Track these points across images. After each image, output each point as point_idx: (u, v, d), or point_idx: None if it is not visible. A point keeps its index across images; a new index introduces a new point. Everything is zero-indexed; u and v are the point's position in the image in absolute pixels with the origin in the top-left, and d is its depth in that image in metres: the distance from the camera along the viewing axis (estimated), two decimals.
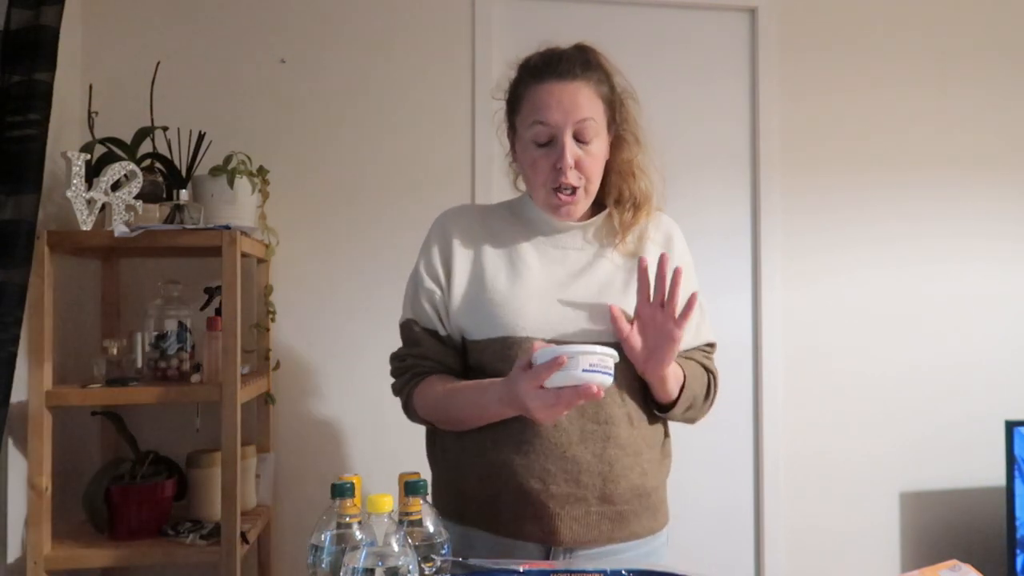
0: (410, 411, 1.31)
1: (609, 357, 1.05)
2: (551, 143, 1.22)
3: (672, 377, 1.23)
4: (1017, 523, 2.16)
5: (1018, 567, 2.16)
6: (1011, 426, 2.17)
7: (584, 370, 1.03)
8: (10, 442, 1.66)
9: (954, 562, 1.01)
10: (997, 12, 2.48)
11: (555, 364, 1.02)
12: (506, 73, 1.30)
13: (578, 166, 1.22)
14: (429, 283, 1.29)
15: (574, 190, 1.23)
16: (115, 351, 1.77)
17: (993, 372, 2.44)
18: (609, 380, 1.05)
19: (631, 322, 1.21)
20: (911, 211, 2.42)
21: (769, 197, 2.34)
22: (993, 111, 2.47)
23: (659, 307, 1.18)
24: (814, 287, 2.37)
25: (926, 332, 2.42)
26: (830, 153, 2.39)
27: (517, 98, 1.26)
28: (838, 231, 2.39)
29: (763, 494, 2.31)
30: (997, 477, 2.30)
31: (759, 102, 2.34)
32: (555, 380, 1.03)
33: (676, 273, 1.16)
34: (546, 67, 1.22)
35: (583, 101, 1.21)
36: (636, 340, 1.20)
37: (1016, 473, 2.16)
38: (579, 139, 1.21)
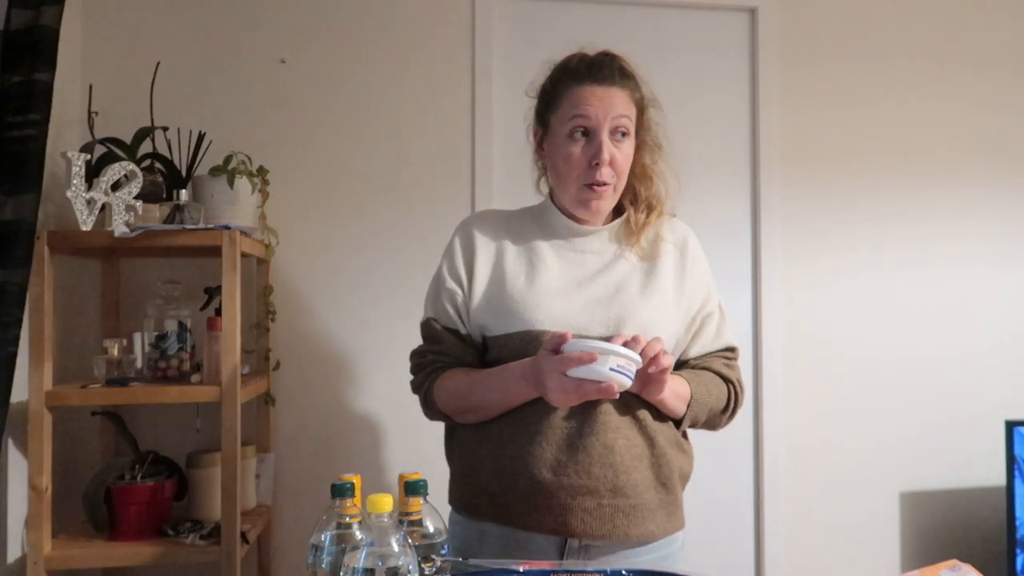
0: (429, 405, 1.33)
1: (634, 362, 1.10)
2: (588, 139, 1.26)
3: (672, 398, 1.25)
4: (1017, 523, 2.16)
5: (1018, 567, 2.16)
6: (1011, 426, 2.17)
7: (611, 368, 1.08)
8: (10, 442, 1.66)
9: (954, 562, 1.01)
10: (998, 14, 2.48)
11: (586, 357, 1.07)
12: (541, 72, 1.34)
13: (611, 163, 1.26)
14: (451, 284, 1.32)
15: (604, 185, 1.27)
16: (115, 351, 1.77)
17: (993, 372, 2.44)
18: (629, 383, 1.10)
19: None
20: (911, 211, 2.42)
21: (769, 198, 2.34)
22: (994, 112, 2.47)
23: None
24: (814, 288, 2.37)
25: (926, 332, 2.42)
26: (830, 154, 2.39)
27: (555, 96, 1.30)
28: (838, 232, 2.39)
29: (763, 494, 2.31)
30: (997, 477, 2.30)
31: (759, 103, 2.34)
32: (580, 371, 1.08)
33: (655, 353, 1.16)
34: (587, 71, 1.27)
35: (620, 103, 1.26)
36: None
37: (1016, 473, 2.16)
38: (614, 137, 1.26)
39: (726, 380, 1.34)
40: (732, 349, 1.39)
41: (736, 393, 1.35)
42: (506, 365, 1.24)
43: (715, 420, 1.35)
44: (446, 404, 1.30)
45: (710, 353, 1.36)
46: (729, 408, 1.35)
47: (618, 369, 1.08)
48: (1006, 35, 2.48)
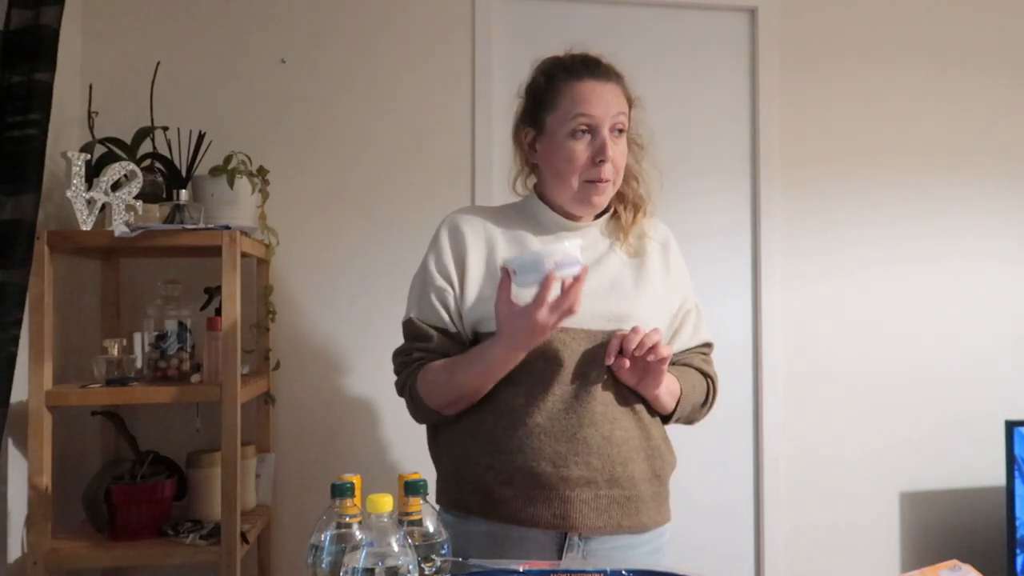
0: (416, 401, 1.29)
1: (573, 249, 1.13)
2: (591, 136, 1.26)
3: (666, 393, 1.27)
4: (1017, 523, 2.16)
5: (1018, 567, 2.16)
6: (1011, 426, 2.17)
7: (553, 267, 1.11)
8: (10, 442, 1.66)
9: (954, 562, 1.01)
10: (998, 13, 2.48)
11: (505, 274, 1.13)
12: (531, 73, 1.35)
13: (612, 160, 1.27)
14: (440, 280, 1.30)
15: (606, 181, 1.28)
16: (115, 351, 1.76)
17: (993, 372, 2.44)
18: (576, 269, 1.13)
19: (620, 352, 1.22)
20: (911, 211, 2.42)
21: (769, 197, 2.34)
22: (994, 111, 2.47)
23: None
24: (814, 287, 2.37)
25: (926, 332, 2.42)
26: (830, 153, 2.39)
27: (552, 94, 1.29)
28: (838, 231, 2.39)
29: (763, 494, 2.31)
30: (997, 477, 2.29)
31: (759, 102, 2.34)
32: (527, 280, 1.12)
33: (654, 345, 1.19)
34: (584, 67, 1.28)
35: (617, 100, 1.28)
36: (625, 362, 1.22)
37: (1016, 473, 2.16)
38: (612, 134, 1.27)
39: (705, 375, 1.37)
40: (708, 345, 1.42)
41: (713, 387, 1.38)
42: (482, 344, 1.25)
43: (695, 414, 1.37)
44: (431, 396, 1.27)
45: (689, 349, 1.39)
46: (707, 403, 1.38)
47: (560, 264, 1.11)
48: (1007, 35, 2.48)
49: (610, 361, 1.20)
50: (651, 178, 1.37)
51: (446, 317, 1.30)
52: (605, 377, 1.24)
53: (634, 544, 1.27)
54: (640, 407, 1.28)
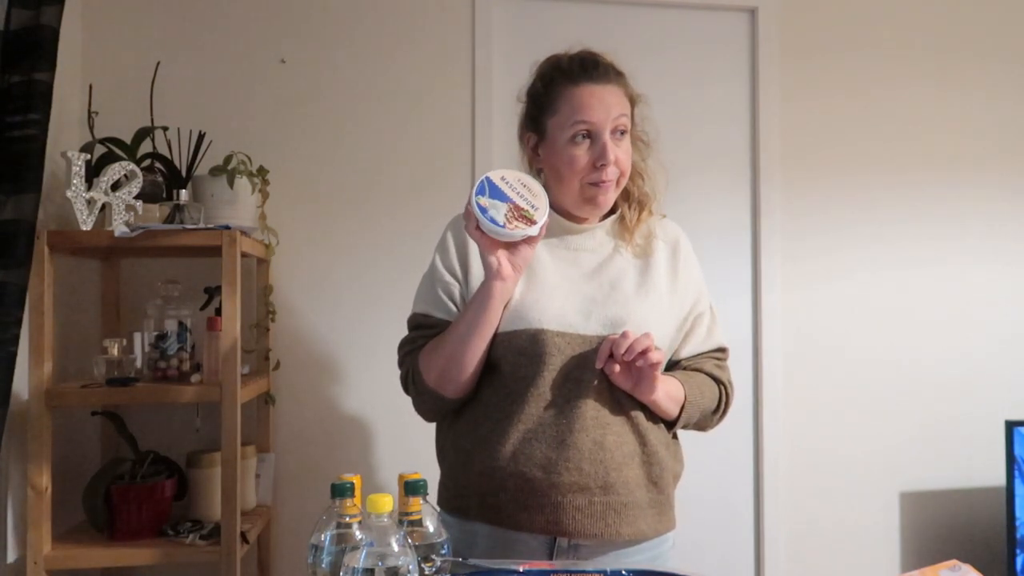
0: (416, 382, 1.28)
1: (535, 199, 1.20)
2: (591, 140, 1.25)
3: (666, 400, 1.25)
4: (1017, 523, 2.16)
5: (1018, 567, 2.16)
6: (1011, 426, 2.17)
7: (495, 222, 1.17)
8: (10, 442, 1.66)
9: (954, 562, 1.01)
10: (997, 13, 2.48)
11: (468, 215, 1.19)
12: (531, 76, 1.34)
13: (615, 162, 1.26)
14: (447, 276, 1.31)
15: (609, 181, 1.27)
16: (115, 351, 1.76)
17: (993, 372, 2.44)
18: (535, 229, 1.19)
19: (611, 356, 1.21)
20: (911, 211, 2.42)
21: (769, 197, 2.34)
22: (993, 111, 2.47)
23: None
24: (814, 287, 2.37)
25: (926, 332, 2.42)
26: (830, 153, 2.39)
27: (551, 99, 1.28)
28: (838, 231, 2.39)
29: (763, 494, 2.31)
30: (997, 477, 2.29)
31: (759, 102, 2.34)
32: (488, 223, 1.17)
33: (643, 349, 1.18)
34: (582, 70, 1.27)
35: (617, 102, 1.26)
36: (616, 367, 1.21)
37: (1016, 473, 2.16)
38: (614, 136, 1.26)
39: (717, 381, 1.35)
40: (723, 350, 1.40)
41: (727, 394, 1.36)
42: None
43: (706, 421, 1.35)
44: (428, 366, 1.26)
45: (701, 354, 1.37)
46: (720, 409, 1.35)
47: (511, 218, 1.17)
48: (1007, 30, 2.48)
49: (600, 365, 1.19)
50: (657, 175, 1.36)
51: (453, 309, 1.30)
52: (597, 382, 1.22)
53: (630, 554, 1.25)
54: (637, 413, 1.25)
